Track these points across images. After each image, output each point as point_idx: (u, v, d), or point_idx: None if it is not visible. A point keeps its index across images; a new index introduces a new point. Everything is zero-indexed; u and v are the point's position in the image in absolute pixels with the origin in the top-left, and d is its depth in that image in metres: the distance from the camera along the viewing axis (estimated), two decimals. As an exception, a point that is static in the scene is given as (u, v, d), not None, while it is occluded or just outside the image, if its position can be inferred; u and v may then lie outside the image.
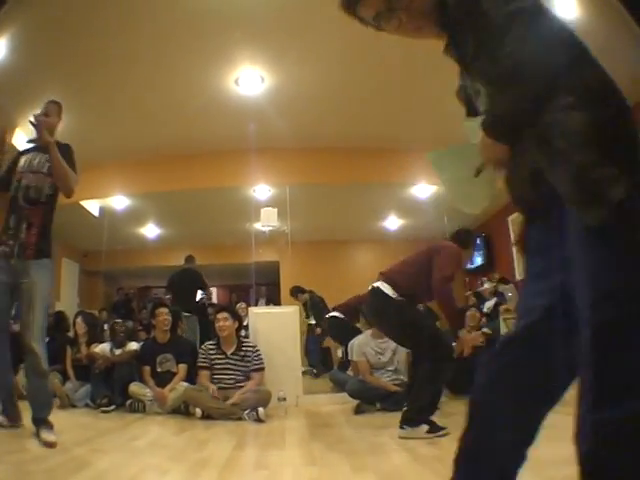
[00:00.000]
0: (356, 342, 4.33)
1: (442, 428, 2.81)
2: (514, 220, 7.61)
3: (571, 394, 1.02)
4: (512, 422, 1.09)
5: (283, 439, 3.01)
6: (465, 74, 1.15)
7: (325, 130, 5.67)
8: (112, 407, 4.12)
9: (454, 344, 3.15)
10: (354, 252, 8.66)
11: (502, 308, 6.12)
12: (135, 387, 4.20)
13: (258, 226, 6.31)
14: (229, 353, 4.08)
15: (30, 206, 2.83)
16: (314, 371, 6.44)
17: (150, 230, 8.27)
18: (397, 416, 2.95)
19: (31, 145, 2.99)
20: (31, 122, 2.73)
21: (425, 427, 2.80)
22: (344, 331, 5.04)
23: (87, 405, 4.34)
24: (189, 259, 6.84)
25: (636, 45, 3.48)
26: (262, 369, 4.10)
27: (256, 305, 6.64)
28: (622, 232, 0.86)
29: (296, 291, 6.80)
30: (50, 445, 2.57)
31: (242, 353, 4.09)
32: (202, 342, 4.79)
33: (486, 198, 1.23)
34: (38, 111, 2.90)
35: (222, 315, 4.14)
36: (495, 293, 6.94)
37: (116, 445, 2.84)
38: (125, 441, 2.96)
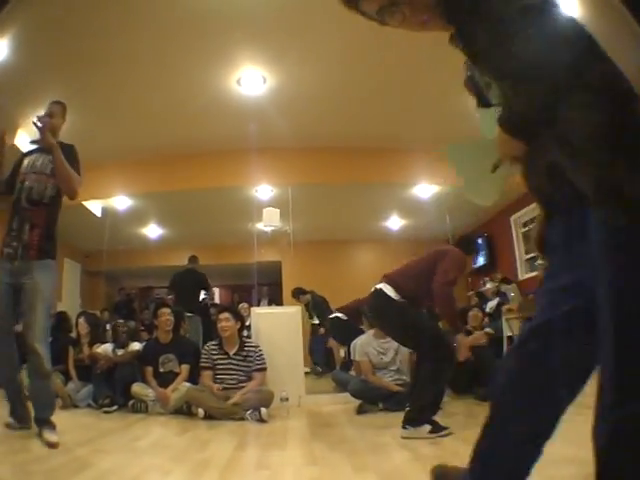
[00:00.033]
0: (358, 342, 4.32)
1: (444, 428, 2.81)
2: (515, 220, 7.61)
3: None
4: (532, 413, 1.12)
5: (285, 439, 3.01)
6: (473, 65, 1.13)
7: (327, 130, 5.68)
8: (114, 407, 4.13)
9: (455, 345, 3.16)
10: (356, 252, 8.67)
11: (504, 308, 6.11)
12: (137, 387, 4.20)
13: (260, 226, 6.32)
14: (231, 353, 4.08)
15: (33, 207, 2.83)
16: (319, 369, 6.46)
17: (152, 230, 8.29)
18: (399, 416, 2.94)
19: (35, 146, 2.99)
20: (35, 124, 2.72)
21: (427, 427, 2.80)
22: (346, 332, 5.03)
23: (89, 405, 4.34)
24: (193, 259, 6.85)
25: (637, 46, 3.47)
26: (264, 369, 4.09)
27: (258, 305, 6.63)
28: None
29: (297, 293, 6.81)
30: (52, 445, 2.57)
31: (244, 353, 4.09)
32: (205, 342, 4.79)
33: (498, 192, 1.24)
34: (41, 111, 2.90)
35: (224, 315, 4.14)
36: (497, 293, 6.94)
37: (118, 445, 2.84)
38: (127, 441, 2.96)
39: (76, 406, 4.31)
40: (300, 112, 5.21)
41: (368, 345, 4.24)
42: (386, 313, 3.12)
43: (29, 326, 2.69)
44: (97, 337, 4.87)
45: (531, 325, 1.18)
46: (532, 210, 7.14)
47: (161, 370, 4.29)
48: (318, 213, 7.49)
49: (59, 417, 2.85)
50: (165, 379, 4.21)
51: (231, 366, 4.04)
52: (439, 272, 3.00)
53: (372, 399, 3.96)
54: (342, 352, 5.80)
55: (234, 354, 4.07)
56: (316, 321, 6.80)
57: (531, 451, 1.15)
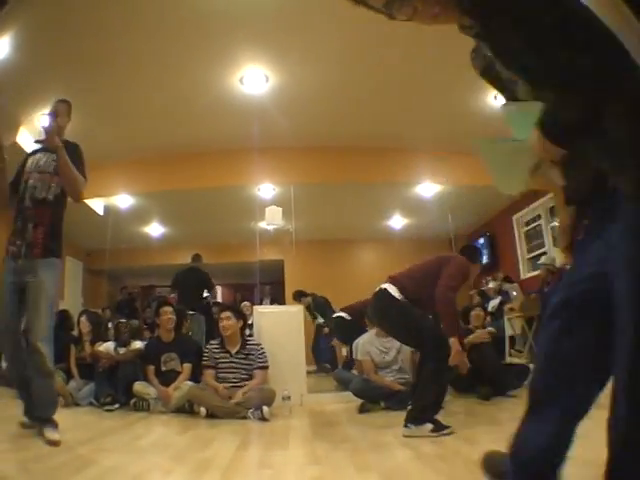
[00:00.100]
0: (361, 341, 4.32)
1: (446, 427, 2.81)
2: (518, 219, 7.60)
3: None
4: (566, 391, 1.17)
5: (287, 438, 3.00)
6: (484, 48, 1.08)
7: (329, 129, 5.67)
8: (116, 406, 4.14)
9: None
10: (358, 251, 8.67)
11: (506, 307, 6.11)
12: (139, 386, 4.20)
13: (263, 225, 6.31)
14: (233, 352, 4.07)
15: (36, 206, 2.83)
16: (328, 366, 6.48)
17: (154, 229, 8.29)
18: (401, 415, 2.94)
19: (39, 146, 2.99)
20: (43, 127, 2.72)
21: (429, 426, 2.79)
22: (349, 331, 5.04)
23: (91, 404, 4.34)
24: (196, 258, 6.84)
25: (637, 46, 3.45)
26: (266, 367, 4.09)
27: (260, 304, 6.63)
28: None
29: (298, 295, 6.85)
30: (54, 444, 2.57)
31: (246, 352, 4.08)
32: (208, 341, 4.79)
33: (523, 183, 1.26)
34: (44, 110, 2.90)
35: (225, 314, 4.13)
36: (499, 292, 6.94)
37: (120, 444, 2.83)
38: (129, 440, 2.95)
39: (78, 404, 4.31)
40: (303, 111, 5.21)
41: (370, 344, 4.24)
42: (390, 312, 3.13)
43: (32, 324, 2.68)
44: (99, 335, 4.87)
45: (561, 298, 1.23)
46: (534, 210, 7.14)
47: (163, 369, 4.29)
48: (320, 212, 7.49)
49: (61, 415, 2.85)
50: (167, 378, 4.21)
51: (233, 365, 4.04)
52: (443, 276, 3.03)
53: (374, 398, 3.96)
54: (344, 351, 5.81)
55: (236, 353, 4.07)
56: (321, 320, 6.82)
57: (565, 432, 1.18)
